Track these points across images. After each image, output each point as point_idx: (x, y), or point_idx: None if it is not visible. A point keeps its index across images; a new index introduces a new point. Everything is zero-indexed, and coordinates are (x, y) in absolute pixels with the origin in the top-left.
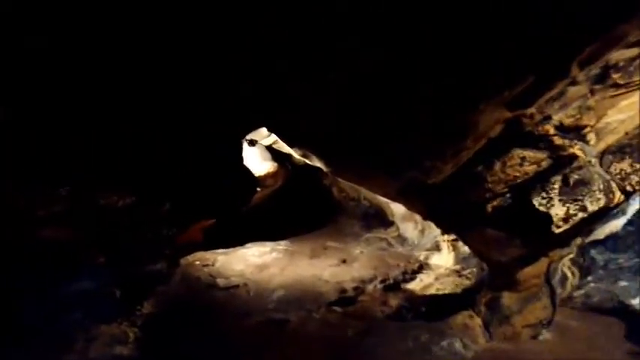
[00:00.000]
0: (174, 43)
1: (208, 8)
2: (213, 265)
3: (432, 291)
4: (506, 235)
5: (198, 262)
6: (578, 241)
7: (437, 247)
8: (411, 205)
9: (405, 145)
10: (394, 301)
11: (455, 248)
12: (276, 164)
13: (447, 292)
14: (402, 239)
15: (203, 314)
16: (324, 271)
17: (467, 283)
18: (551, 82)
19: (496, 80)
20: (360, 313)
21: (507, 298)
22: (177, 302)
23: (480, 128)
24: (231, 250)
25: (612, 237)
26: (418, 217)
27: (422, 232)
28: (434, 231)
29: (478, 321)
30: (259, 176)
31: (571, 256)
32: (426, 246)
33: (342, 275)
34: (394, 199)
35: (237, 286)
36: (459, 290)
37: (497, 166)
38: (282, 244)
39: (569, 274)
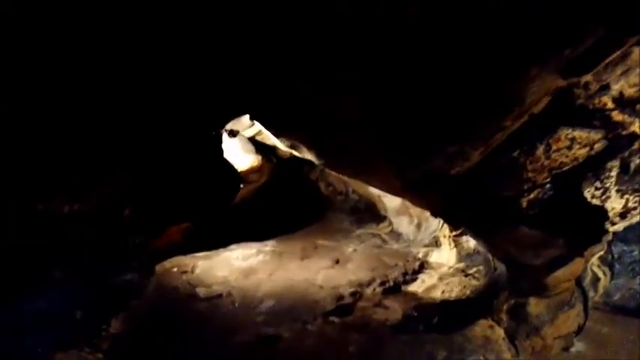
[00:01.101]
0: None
1: None
2: (192, 272)
3: (436, 293)
4: (545, 235)
5: (175, 269)
6: (609, 235)
7: (436, 243)
8: (420, 200)
9: (422, 128)
10: (397, 306)
11: (457, 244)
12: (260, 157)
13: (455, 294)
14: (396, 235)
15: (181, 332)
16: (317, 274)
17: (475, 283)
18: (623, 35)
19: (558, 33)
20: (360, 323)
21: (534, 306)
22: (150, 318)
23: (526, 101)
24: (213, 252)
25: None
26: (414, 211)
27: (418, 226)
28: (431, 225)
29: (500, 332)
30: (242, 171)
31: (600, 253)
32: (423, 242)
33: (337, 278)
34: (397, 193)
35: (220, 296)
36: (467, 292)
37: (540, 150)
38: (269, 245)
39: (600, 275)
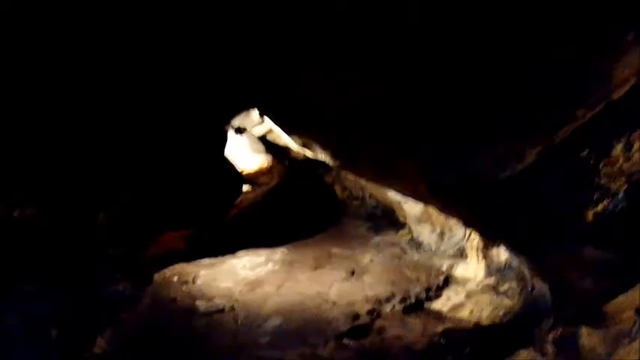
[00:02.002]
0: None
1: None
2: (194, 282)
3: (464, 313)
4: (613, 256)
5: (176, 278)
6: None
7: (461, 255)
8: (449, 208)
9: (462, 119)
10: (420, 328)
11: (486, 257)
12: (270, 158)
13: (485, 315)
14: (416, 244)
15: (175, 353)
16: (330, 287)
17: (508, 303)
18: None
19: None
20: (379, 348)
21: (588, 337)
22: (142, 335)
23: (612, 82)
24: (218, 260)
25: None
26: (436, 219)
27: (441, 235)
28: (455, 234)
29: None
30: (250, 173)
31: None
32: (447, 253)
33: (353, 293)
34: (422, 199)
35: (221, 311)
36: (500, 313)
37: (618, 149)
38: (279, 252)
39: None
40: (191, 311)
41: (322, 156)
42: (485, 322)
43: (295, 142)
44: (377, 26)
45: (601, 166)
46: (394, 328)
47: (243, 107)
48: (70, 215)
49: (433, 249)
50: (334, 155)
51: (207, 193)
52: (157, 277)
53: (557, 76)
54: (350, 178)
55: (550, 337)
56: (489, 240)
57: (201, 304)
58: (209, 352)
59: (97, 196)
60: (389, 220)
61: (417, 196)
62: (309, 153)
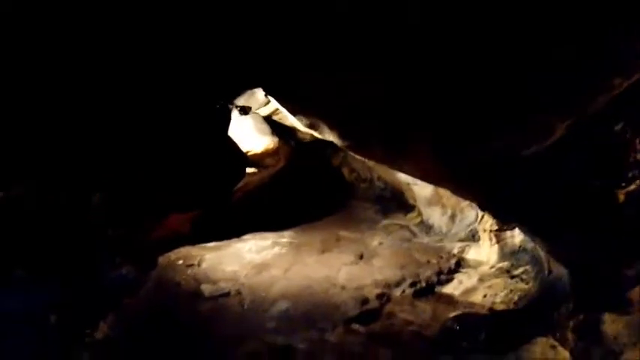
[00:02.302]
0: None
1: None
2: (199, 266)
3: (477, 297)
4: None
5: (181, 262)
6: None
7: (473, 238)
8: (464, 189)
9: (484, 90)
10: (431, 312)
11: (500, 239)
12: (276, 139)
13: (499, 300)
14: (426, 227)
15: (179, 338)
16: (338, 271)
17: (523, 287)
18: None
19: None
20: (389, 333)
21: (611, 324)
22: (145, 320)
23: None
24: (224, 243)
25: None
26: (447, 201)
27: (452, 218)
28: (467, 217)
29: (565, 355)
30: (256, 154)
31: None
32: (458, 236)
33: (362, 277)
34: (435, 180)
35: (227, 295)
36: (515, 297)
37: None
38: (286, 236)
39: None
40: (196, 295)
41: (329, 136)
42: (499, 306)
43: (301, 122)
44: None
45: (638, 142)
46: (404, 312)
47: (247, 86)
48: (59, 196)
49: (444, 232)
50: (342, 137)
51: (210, 173)
52: (161, 260)
53: (591, 42)
54: (358, 159)
55: (570, 323)
56: (504, 223)
57: (206, 288)
58: (214, 336)
59: (91, 177)
60: (398, 202)
61: (429, 178)
62: (315, 134)
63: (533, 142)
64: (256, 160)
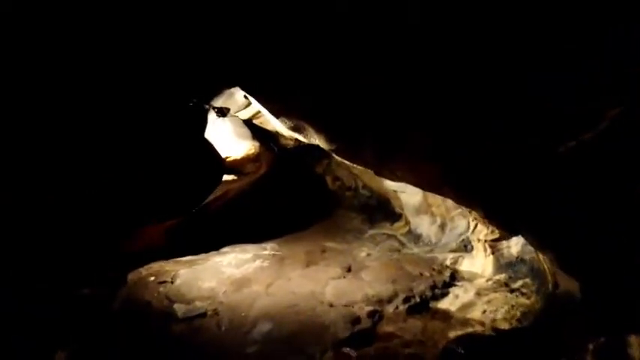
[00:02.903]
0: None
1: None
2: (172, 282)
3: (475, 313)
4: None
5: (153, 278)
6: None
7: (465, 248)
8: (469, 195)
9: (492, 91)
10: (429, 332)
11: (495, 250)
12: (257, 144)
13: (500, 316)
14: (414, 236)
15: None
16: (325, 286)
17: (525, 302)
18: None
19: None
20: (383, 358)
21: (638, 347)
22: (109, 348)
23: None
24: (201, 257)
25: None
26: (437, 209)
27: (442, 227)
28: (458, 226)
29: None
30: (236, 160)
31: None
32: (449, 246)
33: (351, 292)
34: (434, 186)
35: (203, 315)
36: (517, 313)
37: None
38: (268, 248)
39: None
40: (168, 316)
41: (315, 139)
42: (501, 324)
43: (284, 125)
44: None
45: None
46: (400, 332)
47: (223, 83)
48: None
49: (433, 242)
50: (330, 139)
51: (185, 177)
52: (131, 276)
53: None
54: (342, 167)
55: (590, 347)
56: (508, 232)
57: (179, 308)
58: None
59: (48, 180)
60: (384, 211)
61: (425, 182)
62: (300, 137)
63: (576, 132)
64: (236, 166)
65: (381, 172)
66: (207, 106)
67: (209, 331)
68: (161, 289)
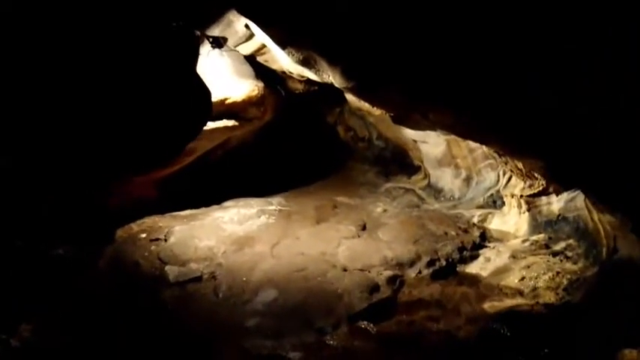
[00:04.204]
0: None
1: None
2: (166, 240)
3: (511, 279)
4: None
5: (144, 235)
6: None
7: (494, 204)
8: (529, 151)
9: None
10: (459, 302)
11: (533, 207)
12: (261, 85)
13: (543, 284)
14: (434, 191)
15: (128, 341)
16: (337, 246)
17: (571, 267)
18: None
19: None
20: (409, 335)
21: None
22: (88, 316)
23: None
24: (200, 212)
25: None
26: (462, 161)
27: (467, 181)
28: (485, 180)
29: None
30: (236, 102)
31: None
32: (475, 202)
33: (366, 254)
34: (483, 134)
35: (198, 279)
36: (564, 282)
37: None
38: (274, 202)
39: None
40: (159, 279)
41: (329, 76)
42: (546, 295)
43: (292, 58)
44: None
45: None
46: (425, 303)
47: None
48: None
49: (457, 197)
50: (347, 75)
51: (165, 117)
52: (120, 233)
53: None
54: (355, 116)
55: None
56: (565, 187)
57: (172, 271)
58: (177, 337)
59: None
60: (400, 163)
61: (465, 128)
62: (311, 75)
63: None
64: (236, 110)
65: (408, 117)
66: (198, 34)
67: (204, 298)
68: (152, 247)
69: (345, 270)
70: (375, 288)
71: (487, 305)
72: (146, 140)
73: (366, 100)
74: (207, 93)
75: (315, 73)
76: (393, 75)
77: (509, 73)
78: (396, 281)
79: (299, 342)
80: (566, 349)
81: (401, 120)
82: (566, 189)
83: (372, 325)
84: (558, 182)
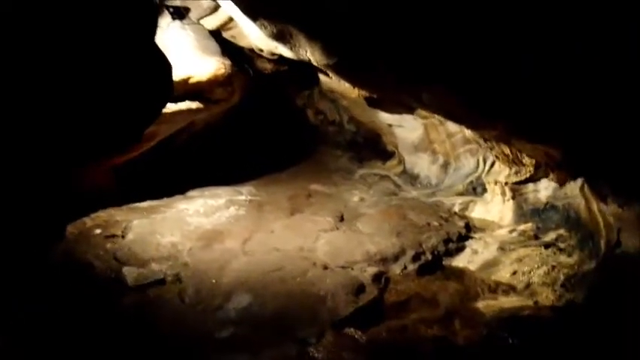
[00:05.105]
0: None
1: None
2: (123, 237)
3: (503, 274)
4: None
5: (99, 231)
6: None
7: (474, 192)
8: (546, 136)
9: None
10: (449, 300)
11: (518, 193)
12: (228, 63)
13: (537, 279)
14: (410, 177)
15: (77, 355)
16: (315, 240)
17: (567, 261)
18: None
19: None
20: (402, 343)
21: None
22: (30, 329)
23: None
24: (162, 203)
25: None
26: (440, 146)
27: (444, 167)
28: (464, 166)
29: None
30: (200, 82)
31: None
32: (454, 189)
33: (348, 249)
34: (481, 121)
35: (161, 282)
36: (560, 277)
37: None
38: (244, 192)
39: None
40: (115, 284)
41: (306, 53)
42: (543, 293)
43: (265, 32)
44: None
45: None
46: (414, 303)
47: None
48: None
49: (434, 183)
50: (329, 49)
51: (119, 95)
52: (71, 229)
53: None
54: (326, 99)
55: None
56: (574, 176)
57: (130, 273)
58: (135, 353)
59: None
60: (373, 148)
61: (465, 111)
62: (285, 51)
63: None
64: (201, 90)
65: (397, 96)
66: (157, 1)
67: (168, 305)
68: (108, 245)
69: (326, 268)
70: (360, 288)
71: (481, 305)
72: (97, 123)
73: (347, 79)
74: (167, 68)
75: (291, 49)
76: (382, 49)
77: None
78: (381, 279)
79: (279, 356)
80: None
81: (379, 103)
82: (575, 177)
83: (360, 332)
84: (571, 170)
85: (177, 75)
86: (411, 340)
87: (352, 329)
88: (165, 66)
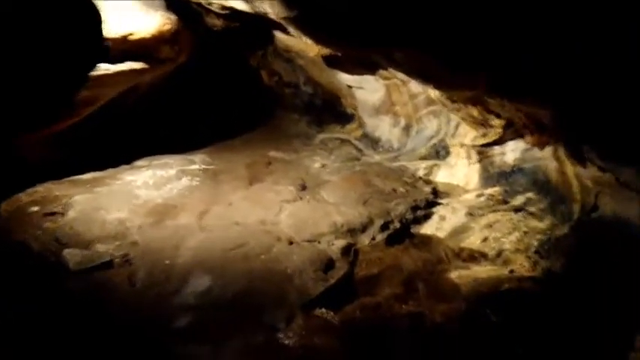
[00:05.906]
0: None
1: None
2: (64, 214)
3: (473, 240)
4: None
5: (36, 208)
6: None
7: (437, 155)
8: (533, 99)
9: None
10: (424, 272)
11: (484, 157)
12: (174, 18)
13: (509, 246)
14: (371, 141)
15: (14, 349)
16: (278, 212)
17: (538, 225)
18: None
19: None
20: (376, 322)
21: None
22: None
23: None
24: (106, 174)
25: None
26: (402, 109)
27: (406, 130)
28: (426, 128)
29: None
30: (144, 39)
31: None
32: (417, 153)
33: (313, 221)
34: (461, 81)
35: (108, 265)
36: (534, 243)
37: None
38: (197, 160)
39: None
40: (55, 268)
41: (264, 6)
42: (516, 258)
43: None
44: None
45: None
46: (386, 277)
47: None
48: None
49: (395, 147)
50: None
51: (33, 52)
52: (5, 206)
53: None
54: (281, 59)
55: None
56: (565, 136)
57: (72, 255)
58: (80, 347)
59: None
60: (332, 111)
61: (444, 70)
62: (239, 4)
63: None
64: (145, 49)
65: (365, 54)
66: None
67: (117, 290)
68: (47, 224)
69: (291, 243)
70: (329, 264)
71: (454, 275)
72: (16, 86)
73: (309, 35)
74: (96, 20)
75: (246, 1)
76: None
77: None
78: (350, 252)
79: (245, 345)
80: (570, 334)
81: (339, 63)
82: (559, 140)
83: (332, 313)
84: (556, 132)
85: (115, 31)
86: (385, 318)
87: (323, 310)
88: (93, 17)
